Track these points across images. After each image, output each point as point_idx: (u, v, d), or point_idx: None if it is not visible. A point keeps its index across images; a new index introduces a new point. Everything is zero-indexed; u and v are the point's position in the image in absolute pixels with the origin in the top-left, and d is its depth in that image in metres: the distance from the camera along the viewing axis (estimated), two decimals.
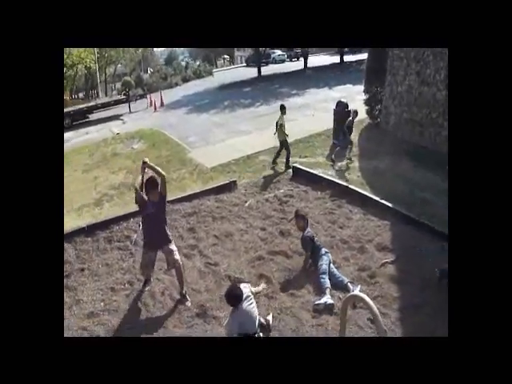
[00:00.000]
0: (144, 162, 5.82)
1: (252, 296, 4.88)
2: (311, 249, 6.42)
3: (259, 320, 4.93)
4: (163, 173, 5.68)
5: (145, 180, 5.69)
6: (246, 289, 4.82)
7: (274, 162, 11.04)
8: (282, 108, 10.91)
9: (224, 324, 5.11)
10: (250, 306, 4.81)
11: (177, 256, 5.85)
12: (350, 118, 10.91)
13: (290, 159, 10.78)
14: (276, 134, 10.96)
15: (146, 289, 6.07)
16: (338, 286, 6.05)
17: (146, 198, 5.64)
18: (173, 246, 5.87)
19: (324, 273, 6.09)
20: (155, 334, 5.33)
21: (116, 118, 22.06)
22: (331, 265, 6.33)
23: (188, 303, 5.85)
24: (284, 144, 10.76)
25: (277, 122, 10.80)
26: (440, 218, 7.21)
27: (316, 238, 6.62)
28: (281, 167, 10.80)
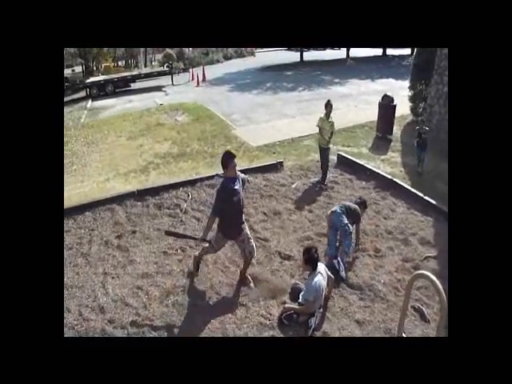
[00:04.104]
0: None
1: None
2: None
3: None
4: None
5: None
6: None
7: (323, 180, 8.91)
8: (328, 105, 8.43)
9: (308, 284, 5.16)
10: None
11: (252, 243, 5.55)
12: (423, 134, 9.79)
13: (328, 173, 9.05)
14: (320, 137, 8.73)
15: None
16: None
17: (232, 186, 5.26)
18: (247, 230, 5.57)
19: (332, 256, 6.08)
20: (209, 298, 5.50)
21: (158, 89, 22.19)
22: (338, 237, 6.28)
23: (251, 285, 5.70)
24: (323, 152, 8.80)
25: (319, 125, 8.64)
26: None
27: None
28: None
